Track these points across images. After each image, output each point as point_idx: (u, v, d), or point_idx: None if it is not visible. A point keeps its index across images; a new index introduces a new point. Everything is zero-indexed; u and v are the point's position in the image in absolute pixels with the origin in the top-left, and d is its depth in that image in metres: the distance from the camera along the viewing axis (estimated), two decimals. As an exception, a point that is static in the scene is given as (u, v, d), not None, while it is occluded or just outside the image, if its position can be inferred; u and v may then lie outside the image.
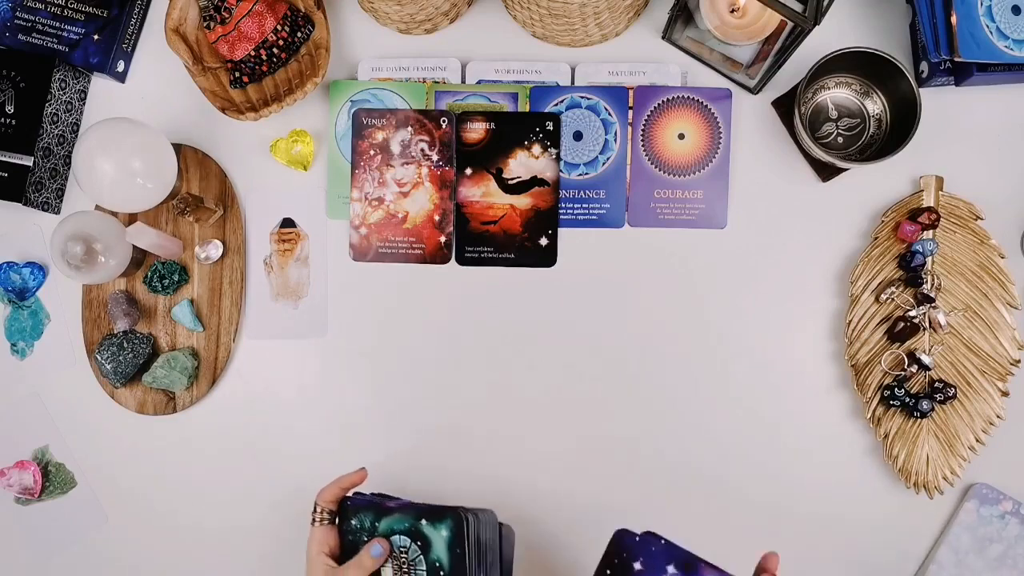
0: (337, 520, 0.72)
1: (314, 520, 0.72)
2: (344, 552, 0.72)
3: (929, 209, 0.83)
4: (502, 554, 0.73)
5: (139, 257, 0.88)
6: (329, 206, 0.89)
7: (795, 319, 0.86)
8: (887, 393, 0.82)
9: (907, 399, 0.82)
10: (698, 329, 0.87)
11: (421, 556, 0.68)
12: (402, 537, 0.69)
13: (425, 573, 0.68)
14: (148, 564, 0.89)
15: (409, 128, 0.88)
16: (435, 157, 0.88)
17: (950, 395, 0.81)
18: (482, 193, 0.88)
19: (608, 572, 0.57)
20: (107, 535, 0.89)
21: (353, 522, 0.71)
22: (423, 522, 0.68)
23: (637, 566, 0.55)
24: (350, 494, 0.73)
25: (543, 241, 0.87)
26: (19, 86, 0.87)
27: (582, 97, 0.88)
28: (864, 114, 0.87)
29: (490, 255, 0.88)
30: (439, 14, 0.88)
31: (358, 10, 0.91)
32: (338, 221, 0.89)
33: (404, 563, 0.69)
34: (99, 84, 0.93)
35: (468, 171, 0.88)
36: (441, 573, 0.68)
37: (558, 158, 0.87)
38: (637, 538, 0.56)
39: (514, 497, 0.86)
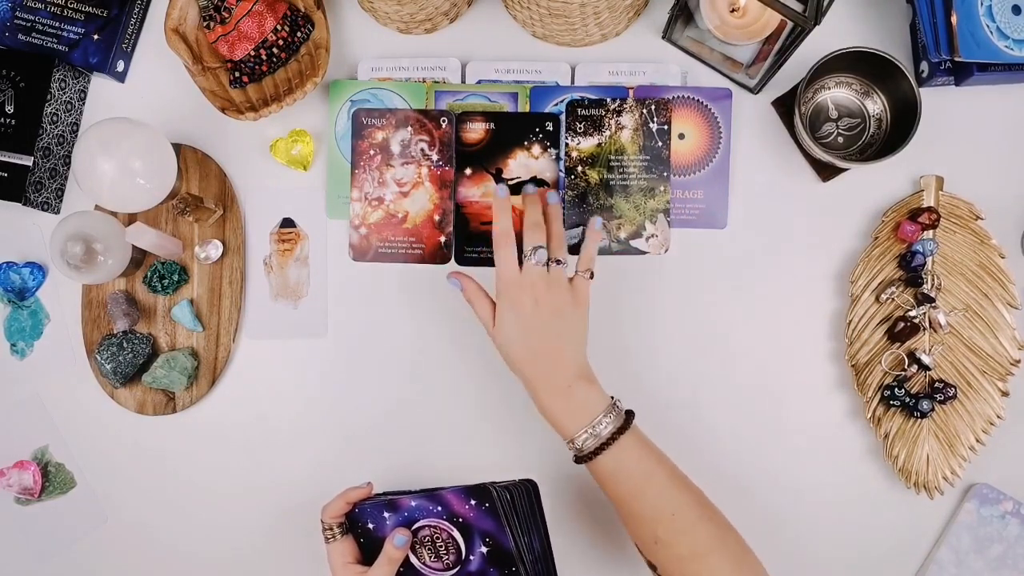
0: (348, 529, 0.72)
1: (327, 539, 0.72)
2: (366, 555, 0.72)
3: (929, 209, 0.83)
4: (539, 513, 0.73)
5: (139, 257, 0.88)
6: (329, 206, 0.89)
7: (795, 319, 0.86)
8: (887, 393, 0.82)
9: (907, 399, 0.82)
10: (697, 329, 0.87)
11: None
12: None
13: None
14: (148, 564, 0.89)
15: (409, 128, 0.88)
16: (435, 157, 0.88)
17: (950, 395, 0.81)
18: (482, 193, 0.88)
19: (361, 541, 0.72)
20: (107, 535, 0.89)
21: (370, 525, 0.71)
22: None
23: (370, 525, 0.71)
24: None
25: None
26: (19, 86, 0.87)
27: (582, 97, 0.88)
28: (864, 114, 0.87)
29: (490, 255, 0.87)
30: (439, 14, 0.88)
31: (358, 10, 0.91)
32: (338, 221, 0.89)
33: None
34: (99, 84, 0.92)
35: (468, 171, 0.88)
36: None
37: (558, 158, 0.87)
38: (359, 508, 0.72)
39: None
